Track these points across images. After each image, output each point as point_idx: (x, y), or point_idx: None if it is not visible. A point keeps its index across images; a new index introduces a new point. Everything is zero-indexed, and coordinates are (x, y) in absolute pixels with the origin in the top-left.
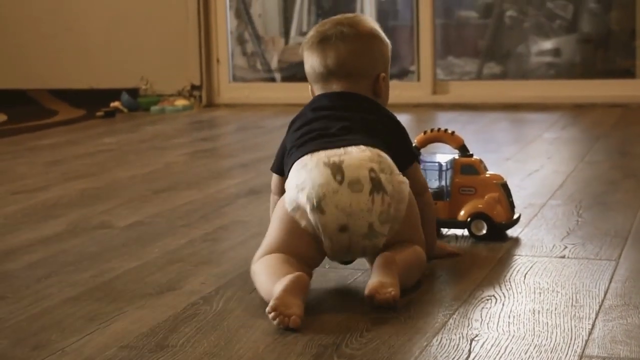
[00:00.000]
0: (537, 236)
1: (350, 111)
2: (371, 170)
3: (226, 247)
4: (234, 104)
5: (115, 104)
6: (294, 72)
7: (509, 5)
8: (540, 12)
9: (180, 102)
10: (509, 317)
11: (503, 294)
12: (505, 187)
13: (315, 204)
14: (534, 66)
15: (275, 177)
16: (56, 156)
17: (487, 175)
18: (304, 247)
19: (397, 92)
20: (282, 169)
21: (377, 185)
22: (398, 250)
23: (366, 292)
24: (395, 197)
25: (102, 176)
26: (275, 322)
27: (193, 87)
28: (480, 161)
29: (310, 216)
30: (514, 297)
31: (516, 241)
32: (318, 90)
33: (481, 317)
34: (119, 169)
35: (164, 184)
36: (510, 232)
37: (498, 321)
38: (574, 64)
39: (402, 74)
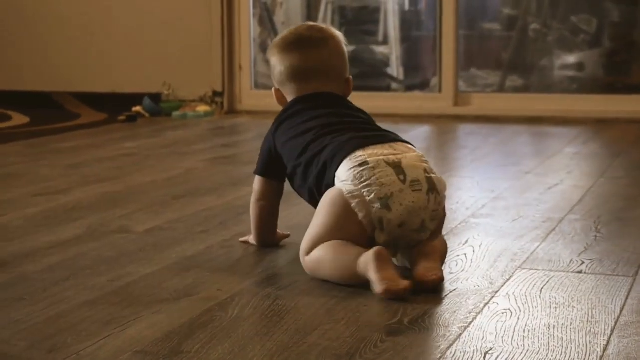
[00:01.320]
0: (554, 251)
1: (351, 110)
2: (425, 170)
3: (243, 254)
4: (256, 111)
5: (137, 108)
6: None
7: (533, 18)
8: (564, 26)
9: (202, 108)
10: (524, 331)
11: (519, 307)
12: None
13: (383, 202)
14: (556, 80)
15: (262, 182)
16: (77, 159)
17: None
18: (354, 236)
19: (419, 103)
20: (271, 172)
21: (431, 185)
22: (433, 240)
23: (415, 278)
24: (441, 196)
25: (123, 180)
26: (390, 296)
27: (215, 94)
28: None
29: (375, 212)
30: (529, 311)
31: (533, 255)
32: (291, 91)
33: (496, 330)
34: (140, 173)
35: (183, 189)
36: (529, 246)
37: (513, 335)
38: (596, 79)
39: (424, 85)
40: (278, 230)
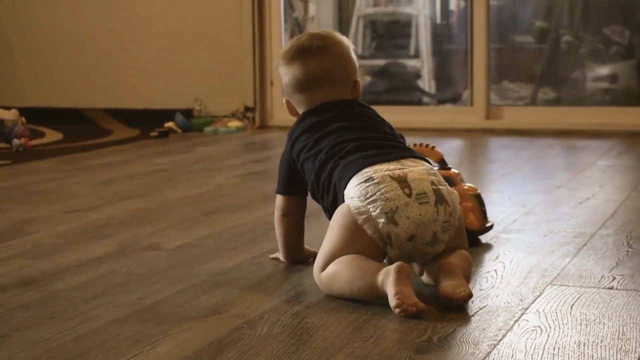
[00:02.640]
0: (585, 266)
1: (363, 117)
2: (432, 183)
3: (272, 271)
4: (287, 126)
5: (169, 124)
6: None
7: (565, 30)
8: (596, 37)
9: (234, 124)
10: (554, 348)
11: (549, 324)
12: (478, 198)
13: (389, 216)
14: (589, 92)
15: (285, 199)
16: (109, 176)
17: (462, 187)
18: (367, 251)
19: (450, 116)
20: (293, 189)
21: (440, 197)
22: (452, 256)
23: (442, 296)
24: (453, 207)
25: (154, 197)
26: (402, 315)
27: (246, 109)
28: (457, 174)
29: (382, 227)
30: (559, 328)
31: (564, 271)
32: (300, 101)
33: (526, 348)
34: (171, 189)
35: (214, 205)
36: (560, 262)
37: (543, 352)
38: (629, 91)
39: (455, 99)
40: (306, 247)
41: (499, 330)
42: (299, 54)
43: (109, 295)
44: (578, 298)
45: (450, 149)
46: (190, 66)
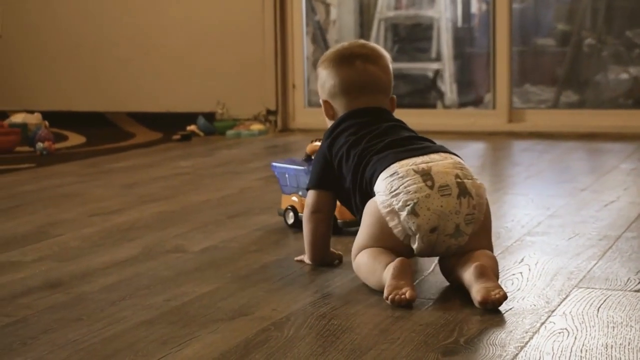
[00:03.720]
0: (611, 269)
1: (396, 123)
2: (456, 176)
3: (298, 273)
4: (309, 129)
5: (192, 127)
6: None
7: (588, 33)
8: (619, 40)
9: (256, 127)
10: (581, 351)
11: (576, 327)
12: None
13: (410, 208)
14: (611, 95)
15: (317, 194)
16: (132, 179)
17: None
18: (394, 244)
19: (472, 120)
20: (325, 183)
21: (463, 190)
22: (481, 257)
23: (478, 299)
24: (478, 200)
25: (177, 199)
26: (394, 304)
27: (269, 112)
28: None
29: (405, 219)
30: (586, 331)
31: (590, 274)
32: (342, 104)
33: (553, 350)
34: (194, 192)
35: (238, 208)
36: (585, 265)
37: (570, 355)
38: None
39: (478, 102)
40: (332, 249)
41: (526, 332)
42: (352, 57)
43: (136, 298)
44: (604, 301)
45: (472, 152)
46: (213, 69)
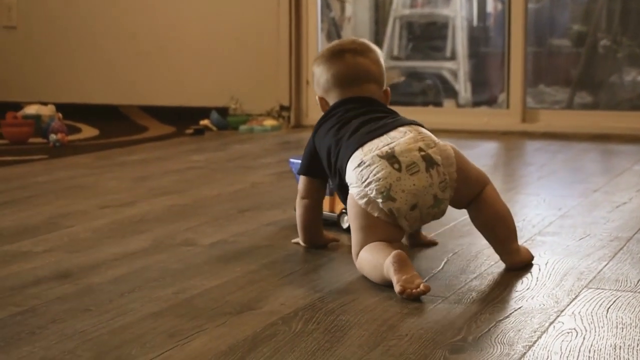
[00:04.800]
0: (621, 270)
1: (381, 108)
2: (420, 149)
3: (307, 268)
4: None
5: (205, 122)
6: None
7: (603, 34)
8: (634, 42)
9: (269, 122)
10: (590, 351)
11: (584, 327)
12: None
13: (384, 195)
14: (626, 97)
15: (305, 180)
16: (144, 172)
17: None
18: (385, 230)
19: (486, 119)
20: (312, 171)
21: (429, 161)
22: (488, 205)
23: (507, 263)
24: (445, 164)
25: (189, 193)
26: (409, 298)
27: (282, 108)
28: None
29: (383, 205)
30: (595, 332)
31: (600, 274)
32: (335, 96)
33: (561, 350)
34: (206, 186)
35: (249, 203)
36: (596, 265)
37: (578, 355)
38: None
39: (491, 101)
40: (326, 233)
41: (534, 331)
42: (343, 52)
43: (145, 290)
44: (614, 302)
45: (485, 151)
46: (227, 64)
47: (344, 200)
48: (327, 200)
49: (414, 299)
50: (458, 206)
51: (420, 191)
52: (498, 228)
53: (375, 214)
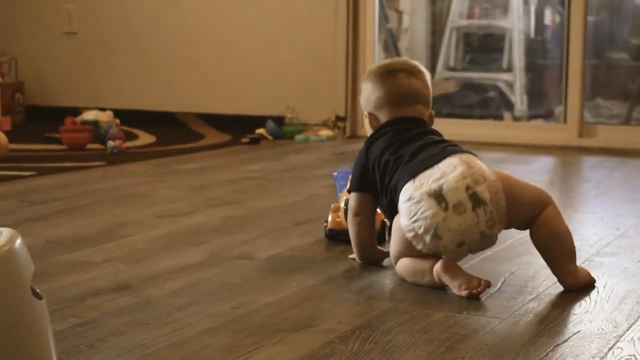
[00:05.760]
0: None
1: (433, 130)
2: (467, 188)
3: (365, 285)
4: None
5: (261, 131)
6: (439, 108)
7: None
8: None
9: (325, 133)
10: None
11: None
12: None
13: (432, 234)
14: None
15: (358, 197)
16: (201, 181)
17: None
18: (426, 255)
19: (542, 133)
20: (364, 187)
21: (476, 201)
22: (546, 225)
23: (565, 286)
24: (494, 199)
25: (245, 204)
26: (475, 297)
27: (338, 118)
28: None
29: (429, 243)
30: None
31: None
32: (386, 114)
33: None
34: (262, 197)
35: (305, 215)
36: None
37: None
38: None
39: (548, 115)
40: (380, 248)
41: (593, 357)
42: (396, 71)
43: (202, 304)
44: None
45: (541, 166)
46: (283, 74)
47: (390, 218)
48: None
49: (477, 295)
50: (519, 228)
51: (466, 230)
52: (554, 248)
53: (419, 247)
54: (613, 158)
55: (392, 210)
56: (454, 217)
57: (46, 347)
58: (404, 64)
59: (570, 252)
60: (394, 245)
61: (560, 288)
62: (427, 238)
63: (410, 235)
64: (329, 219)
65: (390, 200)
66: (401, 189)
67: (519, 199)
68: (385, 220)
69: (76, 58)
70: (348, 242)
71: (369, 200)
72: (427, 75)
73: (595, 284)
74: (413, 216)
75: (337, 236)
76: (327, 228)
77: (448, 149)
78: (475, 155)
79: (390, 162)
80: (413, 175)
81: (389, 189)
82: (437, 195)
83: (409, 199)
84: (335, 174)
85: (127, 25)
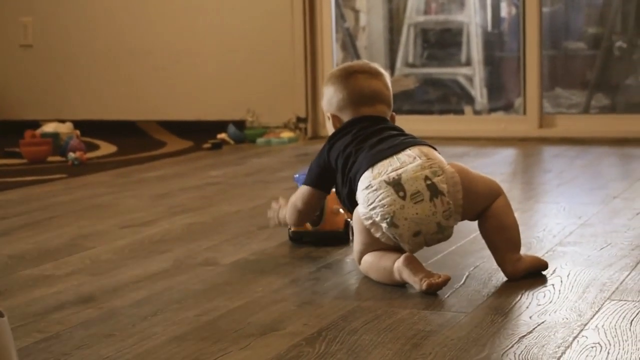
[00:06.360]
0: None
1: (394, 126)
2: (426, 178)
3: (329, 286)
4: None
5: (222, 135)
6: (400, 105)
7: (618, 36)
8: None
9: (286, 135)
10: None
11: (608, 341)
12: None
13: (388, 221)
14: None
15: (307, 191)
16: (163, 189)
17: None
18: (387, 245)
19: (503, 125)
20: (319, 184)
21: (434, 191)
22: (493, 216)
23: (506, 273)
24: (452, 191)
25: (208, 210)
26: (436, 290)
27: (299, 120)
28: None
29: (387, 231)
30: (619, 345)
31: (623, 285)
32: (349, 115)
33: None
34: (225, 203)
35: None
36: (618, 276)
37: None
38: None
39: (508, 107)
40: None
41: (558, 347)
42: (356, 72)
43: (167, 313)
44: (637, 313)
45: (503, 158)
46: (242, 77)
47: (350, 209)
48: None
49: (436, 290)
50: (471, 219)
51: (423, 220)
52: (498, 238)
53: (378, 235)
54: (574, 147)
55: (351, 201)
56: (412, 205)
57: None
58: (364, 66)
59: (512, 241)
60: (356, 239)
61: (523, 279)
62: (384, 225)
63: (368, 223)
64: None
65: (349, 191)
66: (360, 177)
67: (475, 190)
68: (349, 220)
69: (33, 71)
70: (312, 243)
71: (319, 197)
72: (387, 76)
73: (557, 273)
74: (371, 203)
75: (301, 238)
76: (290, 231)
77: (408, 140)
78: (434, 148)
79: (352, 154)
80: (372, 164)
81: (348, 178)
82: (396, 184)
83: (367, 187)
84: (297, 176)
85: (83, 36)
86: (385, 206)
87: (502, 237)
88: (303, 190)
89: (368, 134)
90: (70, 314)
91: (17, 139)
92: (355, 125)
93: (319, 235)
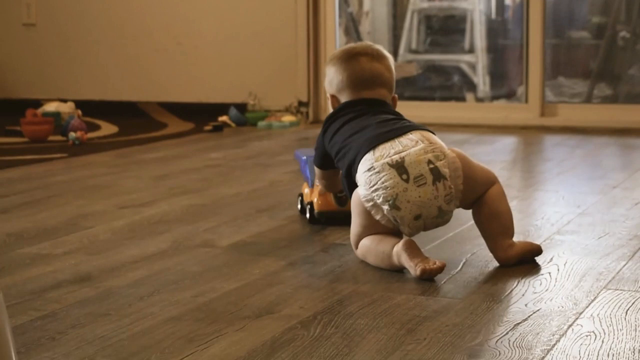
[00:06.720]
0: None
1: (392, 110)
2: (429, 162)
3: (326, 270)
4: None
5: (223, 118)
6: (402, 91)
7: (622, 26)
8: None
9: (287, 118)
10: (608, 355)
11: (603, 330)
12: None
13: (391, 204)
14: None
15: (319, 170)
16: (163, 170)
17: None
18: (386, 229)
19: (504, 113)
20: (325, 164)
21: (437, 175)
22: (487, 203)
23: (498, 259)
24: (453, 176)
25: (208, 192)
26: (428, 275)
27: (300, 104)
28: None
29: (388, 213)
30: (614, 334)
31: (619, 275)
32: (347, 97)
33: (579, 354)
34: (225, 185)
35: (267, 202)
36: (615, 265)
37: (597, 359)
38: None
39: (510, 95)
40: None
41: (553, 335)
42: (359, 55)
43: (164, 293)
44: (633, 303)
45: (504, 146)
46: (245, 60)
47: (348, 190)
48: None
49: (430, 276)
50: (466, 207)
51: (425, 203)
52: (491, 225)
53: (378, 217)
54: (575, 136)
55: (349, 184)
56: (415, 188)
57: (3, 341)
58: (367, 48)
59: (505, 228)
60: (355, 221)
61: (520, 267)
62: (386, 207)
63: (368, 205)
64: (315, 200)
65: (347, 174)
66: (360, 160)
67: (473, 177)
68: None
69: (36, 49)
70: (340, 223)
71: (330, 175)
72: (391, 59)
73: (555, 262)
74: (373, 185)
75: (327, 218)
76: (316, 212)
77: (408, 125)
78: (434, 133)
79: (347, 137)
80: (373, 146)
81: (345, 162)
82: (399, 167)
83: (369, 169)
84: (297, 152)
85: (86, 16)
86: (388, 188)
87: (495, 224)
88: (316, 169)
89: (365, 116)
90: (67, 293)
91: (18, 118)
92: (349, 109)
93: (347, 214)
